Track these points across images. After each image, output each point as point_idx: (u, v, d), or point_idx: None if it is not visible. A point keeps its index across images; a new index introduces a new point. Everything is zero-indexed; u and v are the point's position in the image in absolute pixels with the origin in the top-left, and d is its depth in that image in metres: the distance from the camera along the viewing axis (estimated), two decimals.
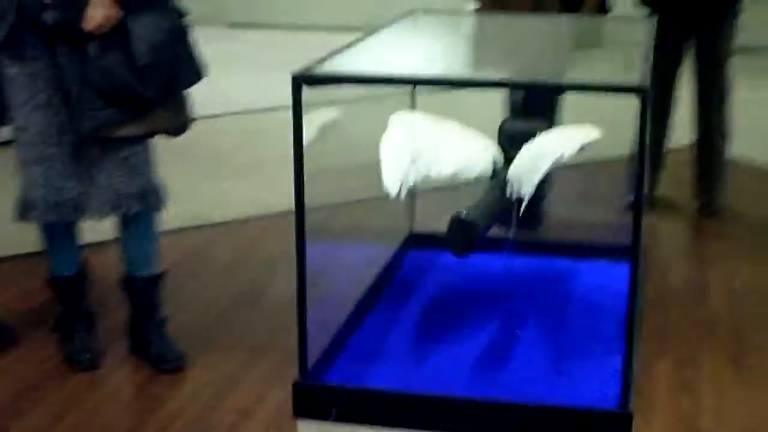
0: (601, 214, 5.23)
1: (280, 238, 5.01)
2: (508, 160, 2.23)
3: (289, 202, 2.07)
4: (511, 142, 2.28)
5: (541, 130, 2.30)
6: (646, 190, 5.13)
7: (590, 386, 2.01)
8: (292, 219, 2.05)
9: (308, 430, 1.95)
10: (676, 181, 5.75)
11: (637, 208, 1.85)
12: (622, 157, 5.09)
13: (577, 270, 2.56)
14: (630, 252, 1.84)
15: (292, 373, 1.98)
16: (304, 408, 1.96)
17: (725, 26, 5.36)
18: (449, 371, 2.06)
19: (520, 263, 2.49)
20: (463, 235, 2.02)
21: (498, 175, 2.20)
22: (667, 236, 5.38)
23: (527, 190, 2.13)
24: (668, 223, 5.49)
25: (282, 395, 3.31)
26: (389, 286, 2.42)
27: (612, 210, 5.12)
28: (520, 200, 2.17)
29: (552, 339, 2.22)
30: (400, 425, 1.91)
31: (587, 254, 2.61)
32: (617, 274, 2.46)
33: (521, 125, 2.38)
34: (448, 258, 2.34)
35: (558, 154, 2.16)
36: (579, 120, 2.47)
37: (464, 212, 2.05)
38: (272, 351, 3.94)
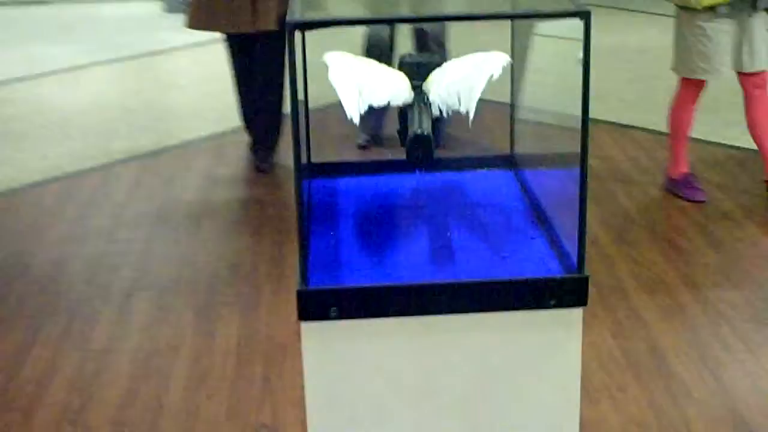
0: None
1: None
2: (415, 87, 2.45)
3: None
4: (414, 72, 2.48)
5: (439, 61, 2.54)
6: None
7: (535, 263, 2.28)
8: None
9: (311, 331, 2.12)
10: None
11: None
12: None
13: (469, 179, 2.79)
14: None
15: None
16: (308, 312, 2.11)
17: None
18: (411, 265, 2.28)
19: (418, 179, 2.73)
20: (424, 149, 2.22)
21: (415, 100, 2.41)
22: None
23: (470, 106, 2.34)
24: None
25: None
26: (309, 210, 2.61)
27: None
28: (441, 119, 2.41)
29: (481, 234, 2.44)
30: (391, 314, 2.13)
31: (474, 166, 2.84)
32: (504, 180, 2.77)
33: (422, 57, 2.60)
34: (347, 183, 2.73)
35: (490, 73, 2.36)
36: None
37: (420, 129, 2.25)
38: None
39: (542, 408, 2.20)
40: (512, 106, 2.92)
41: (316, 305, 2.09)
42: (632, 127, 6.80)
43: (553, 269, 2.22)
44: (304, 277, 2.12)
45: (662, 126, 5.90)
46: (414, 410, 2.18)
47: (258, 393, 3.82)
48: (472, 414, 2.20)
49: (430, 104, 2.37)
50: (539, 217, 2.50)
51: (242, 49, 6.08)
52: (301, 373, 2.36)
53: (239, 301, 4.49)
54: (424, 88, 2.45)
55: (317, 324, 2.10)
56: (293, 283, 4.29)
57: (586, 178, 2.13)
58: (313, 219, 2.53)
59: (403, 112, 2.44)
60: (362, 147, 6.35)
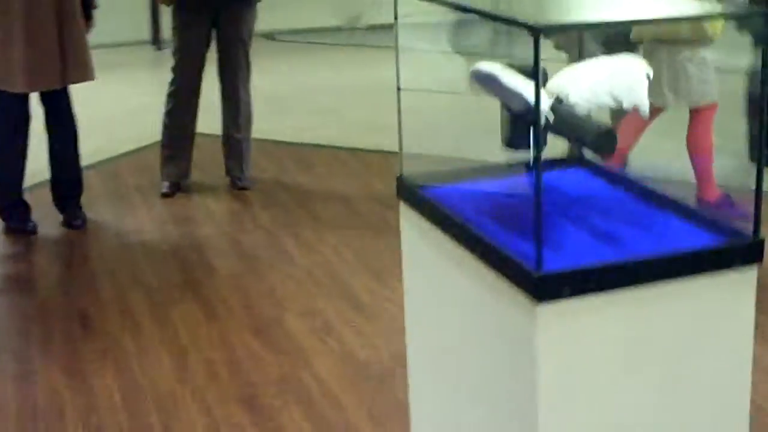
0: None
1: None
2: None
3: None
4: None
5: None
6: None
7: (705, 234, 2.45)
8: None
9: (547, 312, 2.19)
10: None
11: None
12: None
13: (560, 177, 2.93)
14: None
15: None
16: (544, 294, 2.18)
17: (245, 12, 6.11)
18: (613, 244, 2.43)
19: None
20: (608, 142, 2.42)
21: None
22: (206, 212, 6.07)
23: (639, 101, 2.48)
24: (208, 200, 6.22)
25: None
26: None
27: None
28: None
29: (647, 215, 2.61)
30: (616, 287, 2.25)
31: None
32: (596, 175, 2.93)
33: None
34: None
35: (645, 71, 2.50)
36: None
37: (604, 125, 2.45)
38: None
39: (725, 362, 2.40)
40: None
41: (552, 287, 2.18)
42: None
43: (723, 236, 2.40)
44: (540, 262, 2.19)
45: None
46: (630, 378, 2.30)
47: None
48: (672, 374, 2.34)
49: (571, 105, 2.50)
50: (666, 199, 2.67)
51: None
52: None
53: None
54: (548, 90, 2.54)
55: (553, 304, 2.18)
56: (148, 332, 4.30)
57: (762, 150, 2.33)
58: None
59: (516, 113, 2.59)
60: (166, 195, 6.30)
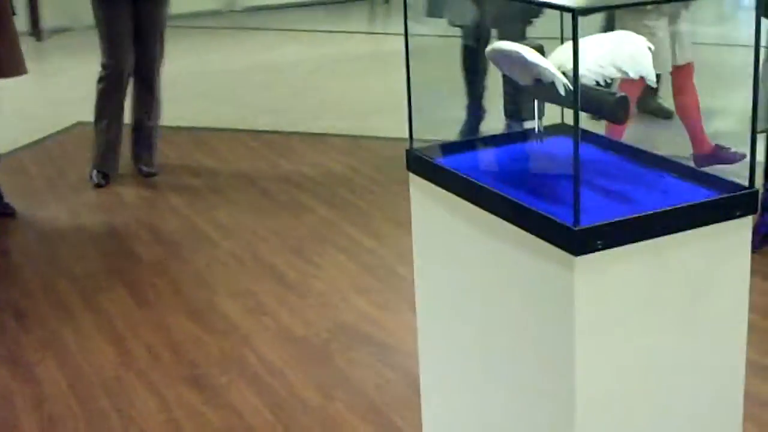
0: None
1: None
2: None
3: None
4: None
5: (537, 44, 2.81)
6: None
7: (706, 189, 2.64)
8: None
9: (584, 264, 2.38)
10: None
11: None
12: None
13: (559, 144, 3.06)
14: None
15: None
16: (582, 247, 2.38)
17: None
18: (634, 199, 2.63)
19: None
20: (623, 108, 2.65)
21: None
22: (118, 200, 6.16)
23: (644, 71, 2.66)
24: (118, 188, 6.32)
25: None
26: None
27: None
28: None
29: (651, 174, 2.80)
30: (644, 238, 2.45)
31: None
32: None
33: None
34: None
35: (646, 45, 2.69)
36: None
37: (617, 94, 2.65)
38: None
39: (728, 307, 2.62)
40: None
41: (589, 240, 2.37)
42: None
43: (721, 189, 2.60)
44: (577, 218, 2.37)
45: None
46: (652, 320, 2.50)
47: (119, 424, 3.86)
48: (686, 313, 2.55)
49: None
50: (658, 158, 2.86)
51: None
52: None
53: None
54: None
55: (589, 257, 2.37)
56: (83, 321, 4.37)
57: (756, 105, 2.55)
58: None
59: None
60: (98, 186, 6.28)
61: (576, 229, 2.37)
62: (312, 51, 9.96)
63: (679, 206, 2.50)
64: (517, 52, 2.71)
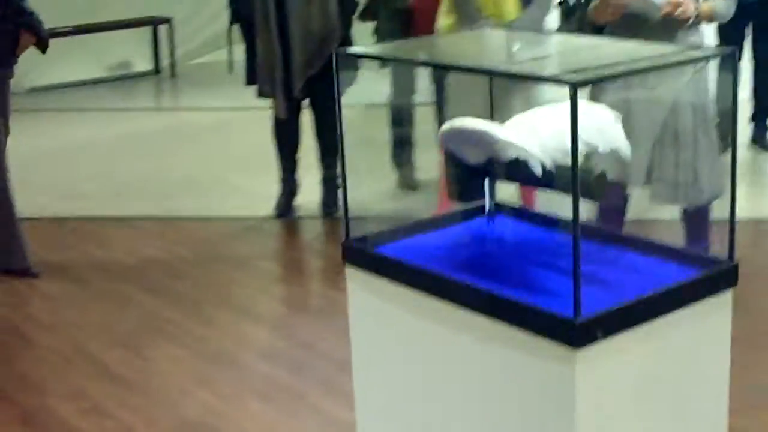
0: None
1: None
2: None
3: None
4: None
5: None
6: None
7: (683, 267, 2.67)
8: None
9: (585, 358, 2.30)
10: None
11: None
12: None
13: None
14: None
15: None
16: (581, 339, 2.33)
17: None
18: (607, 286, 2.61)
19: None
20: (600, 186, 2.58)
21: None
22: None
23: (616, 145, 2.60)
24: None
25: None
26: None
27: None
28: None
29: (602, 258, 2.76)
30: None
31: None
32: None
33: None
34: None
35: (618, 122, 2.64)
36: None
37: (592, 173, 2.57)
38: None
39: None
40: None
41: (589, 332, 2.34)
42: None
43: (699, 267, 2.62)
44: (578, 309, 2.33)
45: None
46: (646, 405, 2.52)
47: None
48: (678, 394, 2.57)
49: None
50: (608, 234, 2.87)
51: None
52: None
53: None
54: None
55: (589, 349, 2.34)
56: None
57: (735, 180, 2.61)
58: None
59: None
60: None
61: (577, 322, 2.32)
62: (104, 131, 9.67)
63: (671, 287, 2.50)
64: (485, 131, 2.60)
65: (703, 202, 4.56)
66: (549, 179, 2.58)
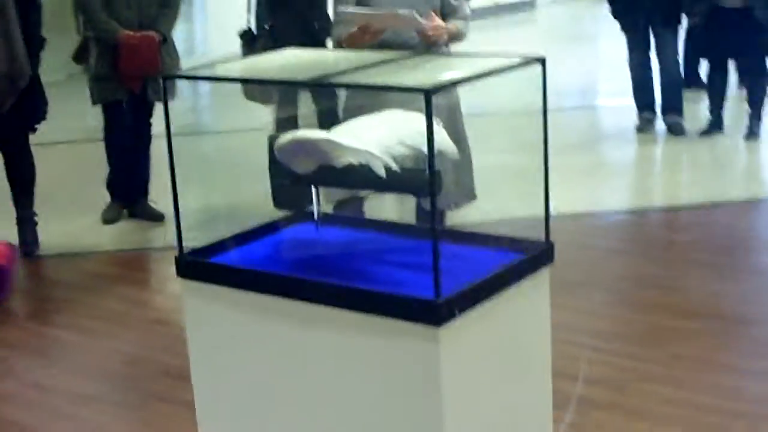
0: None
1: None
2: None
3: None
4: None
5: None
6: None
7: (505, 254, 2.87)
8: None
9: (447, 335, 2.53)
10: None
11: None
12: None
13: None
14: None
15: None
16: (440, 317, 2.52)
17: None
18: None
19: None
20: (440, 181, 2.72)
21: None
22: None
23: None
24: None
25: None
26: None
27: None
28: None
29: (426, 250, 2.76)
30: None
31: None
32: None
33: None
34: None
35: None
36: None
37: (426, 170, 2.65)
38: None
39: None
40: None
41: (449, 310, 2.53)
42: None
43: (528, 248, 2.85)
44: (438, 291, 2.50)
45: None
46: (493, 376, 2.74)
47: None
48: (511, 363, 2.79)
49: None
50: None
51: None
52: None
53: None
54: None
55: (449, 326, 2.51)
56: None
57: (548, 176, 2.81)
58: None
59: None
60: None
61: (439, 302, 2.51)
62: None
63: (507, 267, 2.73)
64: (329, 139, 2.69)
65: (461, 206, 4.84)
66: (381, 182, 2.73)
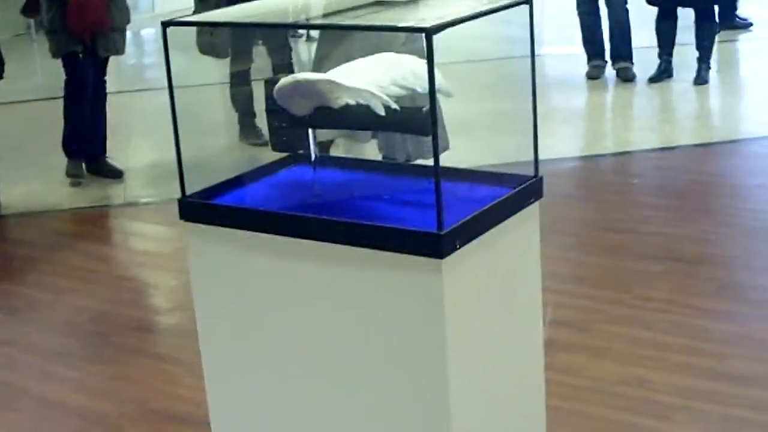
0: None
1: None
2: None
3: None
4: None
5: None
6: None
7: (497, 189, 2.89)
8: None
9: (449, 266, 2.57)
10: None
11: None
12: None
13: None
14: None
15: None
16: (442, 249, 2.56)
17: None
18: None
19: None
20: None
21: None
22: None
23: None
24: None
25: None
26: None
27: None
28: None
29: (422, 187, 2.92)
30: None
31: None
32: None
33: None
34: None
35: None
36: None
37: (424, 111, 2.69)
38: None
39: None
40: None
41: (451, 242, 2.57)
42: None
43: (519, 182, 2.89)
44: (441, 222, 2.55)
45: None
46: (494, 308, 2.80)
47: None
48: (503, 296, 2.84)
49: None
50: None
51: None
52: None
53: None
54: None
55: (452, 258, 2.56)
56: None
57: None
58: None
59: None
60: None
61: (442, 234, 2.56)
62: None
63: (501, 200, 2.78)
64: (330, 79, 2.70)
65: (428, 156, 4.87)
66: (380, 121, 2.77)
